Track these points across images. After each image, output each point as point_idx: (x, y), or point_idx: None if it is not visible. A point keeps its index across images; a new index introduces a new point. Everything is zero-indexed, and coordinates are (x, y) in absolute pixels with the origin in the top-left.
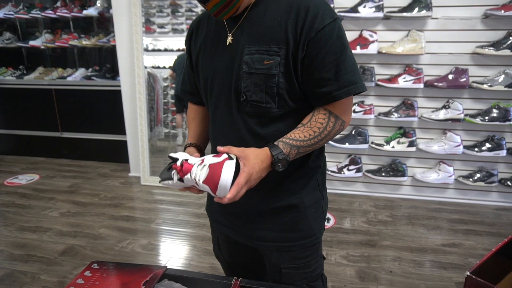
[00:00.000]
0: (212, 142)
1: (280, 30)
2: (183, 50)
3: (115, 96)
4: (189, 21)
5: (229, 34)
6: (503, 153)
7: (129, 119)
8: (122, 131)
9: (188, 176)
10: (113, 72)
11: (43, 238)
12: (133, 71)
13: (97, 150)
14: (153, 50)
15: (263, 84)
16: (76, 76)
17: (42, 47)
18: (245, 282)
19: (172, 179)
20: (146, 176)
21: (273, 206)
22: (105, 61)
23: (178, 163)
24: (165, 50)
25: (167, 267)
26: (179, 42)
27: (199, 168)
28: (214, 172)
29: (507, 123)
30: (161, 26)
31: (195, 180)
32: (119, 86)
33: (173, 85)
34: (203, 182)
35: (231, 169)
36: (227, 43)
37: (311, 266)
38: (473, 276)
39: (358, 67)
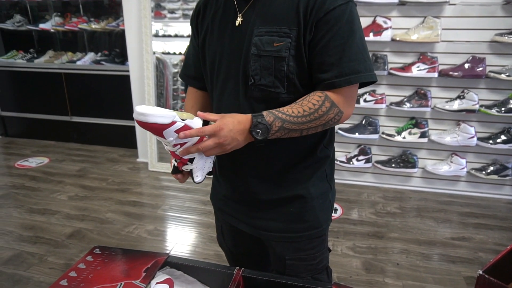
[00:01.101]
0: None
1: (291, 11)
2: None
3: (124, 81)
4: None
5: (239, 15)
6: None
7: (138, 104)
8: (131, 117)
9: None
10: (122, 57)
11: (51, 221)
12: (142, 56)
13: (106, 135)
14: (164, 36)
15: (272, 67)
16: (86, 60)
17: (52, 30)
18: (247, 272)
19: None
20: (154, 162)
21: (279, 196)
22: (115, 45)
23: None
24: (176, 35)
25: (169, 254)
26: (190, 28)
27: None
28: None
29: None
30: (172, 11)
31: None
32: (128, 71)
33: None
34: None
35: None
36: (237, 24)
37: (317, 258)
38: (486, 276)
39: (369, 56)
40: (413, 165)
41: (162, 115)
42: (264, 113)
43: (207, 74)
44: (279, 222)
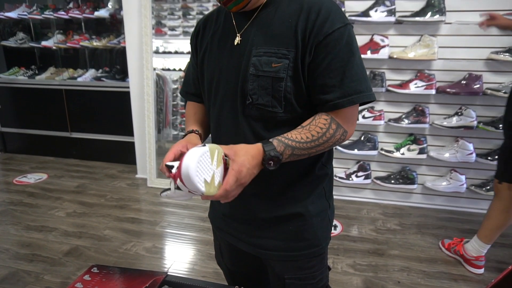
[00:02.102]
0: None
1: (289, 32)
2: None
3: (124, 97)
4: None
5: (238, 34)
6: None
7: (137, 120)
8: (130, 133)
9: (178, 181)
10: (123, 74)
11: (49, 238)
12: (142, 72)
13: (105, 150)
14: (164, 52)
15: (270, 87)
16: (86, 77)
17: (54, 47)
18: None
19: (167, 190)
20: (153, 178)
21: (278, 214)
22: (115, 62)
23: (173, 170)
24: (176, 52)
25: (168, 273)
26: (189, 45)
27: None
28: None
29: None
30: (172, 28)
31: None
32: (128, 87)
33: None
34: (180, 180)
35: (194, 154)
36: (235, 43)
37: (316, 277)
38: None
39: (367, 76)
40: (412, 181)
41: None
42: (274, 142)
43: (205, 92)
44: (278, 241)
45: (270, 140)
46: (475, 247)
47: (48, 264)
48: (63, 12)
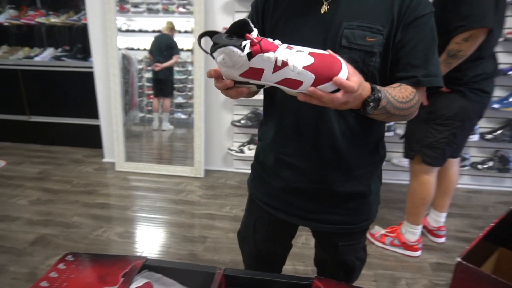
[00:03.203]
0: (282, 115)
1: (385, 9)
2: (158, 31)
3: (87, 78)
4: (165, 1)
5: (326, 3)
6: (476, 137)
7: (103, 102)
8: (95, 115)
9: (269, 54)
10: (85, 53)
11: (11, 228)
12: (107, 52)
13: (69, 134)
14: (127, 31)
15: (361, 61)
16: (45, 56)
17: (6, 23)
18: (229, 271)
19: (239, 47)
20: (121, 162)
21: (345, 191)
22: (76, 40)
23: (254, 34)
24: (140, 31)
25: (147, 257)
26: (154, 23)
27: (292, 51)
28: (326, 63)
29: None
30: (135, 5)
31: (284, 62)
32: (92, 67)
33: (149, 68)
34: (305, 68)
35: (347, 69)
36: (322, 12)
37: (361, 241)
38: (463, 262)
39: None
40: None
41: None
42: (377, 87)
43: None
44: (338, 216)
45: (378, 87)
46: (433, 218)
47: (12, 255)
48: None
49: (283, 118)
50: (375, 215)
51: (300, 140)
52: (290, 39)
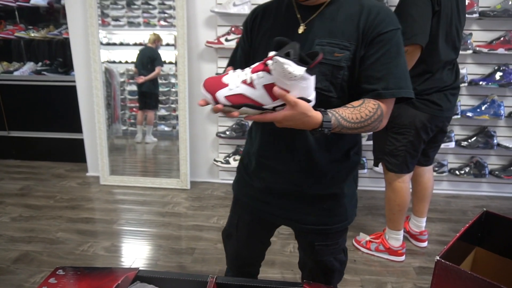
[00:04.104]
0: (263, 126)
1: (352, 28)
2: (140, 44)
3: (69, 92)
4: (146, 14)
5: (302, 24)
6: (452, 144)
7: (86, 116)
8: (78, 129)
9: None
10: (66, 67)
11: None
12: (89, 65)
13: (50, 149)
14: (108, 44)
15: (330, 74)
16: (24, 71)
17: None
18: (221, 279)
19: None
20: (106, 176)
21: (319, 193)
22: (56, 55)
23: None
24: (121, 44)
25: (139, 268)
26: (135, 36)
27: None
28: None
29: (455, 116)
30: (116, 19)
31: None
32: (74, 81)
33: (130, 81)
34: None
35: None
36: (299, 32)
37: (339, 243)
38: (442, 260)
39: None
40: (363, 166)
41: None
42: (332, 119)
43: None
44: (313, 217)
45: (329, 113)
46: (414, 223)
47: None
48: None
49: (265, 125)
50: (352, 218)
51: (278, 144)
52: None
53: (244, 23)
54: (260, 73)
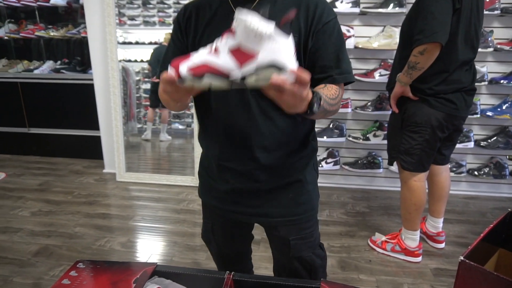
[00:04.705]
0: (217, 124)
1: (294, 20)
2: (155, 43)
3: (87, 90)
4: (161, 14)
5: None
6: (471, 144)
7: (103, 114)
8: (95, 126)
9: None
10: (84, 65)
11: (14, 239)
12: (107, 64)
13: (68, 146)
14: (124, 43)
15: None
16: (44, 69)
17: (6, 37)
18: (238, 276)
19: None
20: (122, 172)
21: (280, 183)
22: (75, 53)
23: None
24: (137, 43)
25: (157, 263)
26: (151, 35)
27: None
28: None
29: (475, 116)
30: (132, 18)
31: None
32: (91, 79)
33: (146, 79)
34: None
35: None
36: None
37: (313, 235)
38: (467, 261)
39: None
40: (378, 166)
41: None
42: (313, 90)
43: None
44: (280, 208)
45: (317, 94)
46: (430, 224)
47: (16, 266)
48: (14, 0)
49: (217, 128)
50: (317, 207)
51: (234, 145)
52: None
53: (175, 21)
54: (224, 37)
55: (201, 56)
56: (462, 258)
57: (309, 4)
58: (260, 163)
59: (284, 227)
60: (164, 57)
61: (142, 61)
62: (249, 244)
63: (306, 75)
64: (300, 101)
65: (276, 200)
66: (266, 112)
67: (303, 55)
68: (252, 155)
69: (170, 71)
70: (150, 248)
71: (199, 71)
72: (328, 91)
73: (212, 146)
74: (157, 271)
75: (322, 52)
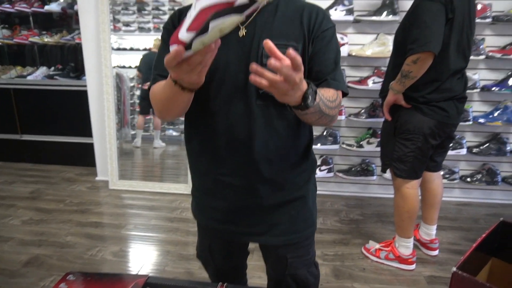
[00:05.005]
0: (216, 139)
1: (296, 28)
2: (149, 49)
3: (81, 97)
4: (156, 20)
5: (242, 27)
6: (464, 151)
7: (96, 120)
8: (88, 133)
9: None
10: (78, 72)
11: (4, 248)
12: (101, 70)
13: (61, 153)
14: (118, 49)
15: None
16: (37, 75)
17: None
18: (231, 287)
19: None
20: (115, 180)
21: (283, 200)
22: (69, 59)
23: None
24: (131, 49)
25: (149, 275)
26: (145, 41)
27: None
28: None
29: (467, 123)
30: (127, 24)
31: None
32: (85, 86)
33: (139, 86)
34: None
35: None
36: (240, 35)
37: (310, 252)
38: (459, 272)
39: None
40: (372, 173)
41: None
42: (317, 94)
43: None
44: (283, 225)
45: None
46: (424, 231)
47: (5, 277)
48: (8, 5)
49: (215, 140)
50: (316, 224)
51: (236, 159)
52: (215, 61)
53: (169, 23)
54: None
55: (192, 12)
56: (454, 269)
57: (311, 12)
58: (263, 176)
59: (283, 246)
60: (156, 60)
61: (136, 67)
62: (245, 259)
63: (298, 58)
64: (292, 88)
65: (279, 216)
66: (270, 122)
67: (306, 60)
68: (256, 168)
69: (171, 48)
70: (142, 258)
71: (201, 22)
72: (325, 92)
73: (210, 162)
74: (148, 283)
75: (319, 58)
